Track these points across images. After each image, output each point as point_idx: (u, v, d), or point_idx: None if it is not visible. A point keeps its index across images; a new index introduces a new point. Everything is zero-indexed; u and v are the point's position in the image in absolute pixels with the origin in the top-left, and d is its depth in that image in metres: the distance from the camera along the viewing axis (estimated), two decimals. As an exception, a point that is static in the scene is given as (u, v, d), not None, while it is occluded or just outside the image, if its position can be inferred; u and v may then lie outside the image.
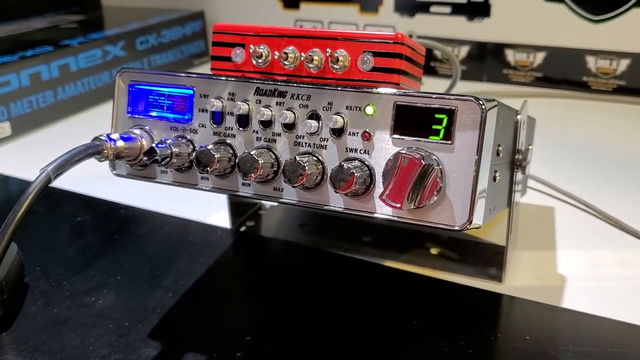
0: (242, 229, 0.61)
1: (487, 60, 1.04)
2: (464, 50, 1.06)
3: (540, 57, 1.00)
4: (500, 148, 0.40)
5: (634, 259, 0.54)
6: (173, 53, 1.15)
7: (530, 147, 0.51)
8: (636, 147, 0.79)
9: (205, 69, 1.22)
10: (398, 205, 0.34)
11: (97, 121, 0.94)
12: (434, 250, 0.56)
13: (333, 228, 0.61)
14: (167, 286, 0.51)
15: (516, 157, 0.47)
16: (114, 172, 0.44)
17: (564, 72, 0.99)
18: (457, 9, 1.03)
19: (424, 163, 0.33)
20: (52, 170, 0.36)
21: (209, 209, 0.64)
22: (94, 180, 0.69)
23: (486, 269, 0.53)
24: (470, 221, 0.35)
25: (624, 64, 0.94)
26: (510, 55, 1.02)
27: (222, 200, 0.61)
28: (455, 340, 0.44)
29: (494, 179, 0.40)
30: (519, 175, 0.48)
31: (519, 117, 0.46)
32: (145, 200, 0.66)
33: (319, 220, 0.62)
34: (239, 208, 0.61)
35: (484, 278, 0.52)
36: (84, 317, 0.48)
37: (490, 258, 0.55)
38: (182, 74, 0.43)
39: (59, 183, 0.70)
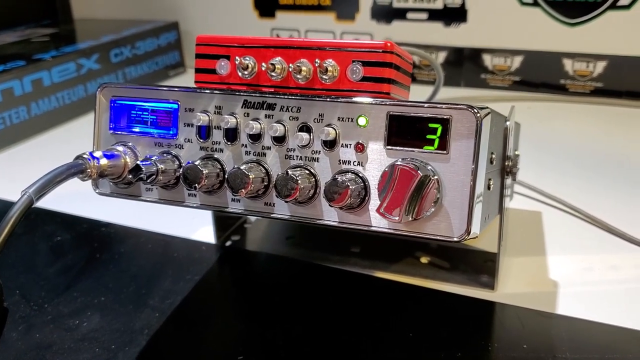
0: (228, 243, 0.59)
1: (464, 65, 1.05)
2: (441, 56, 1.06)
3: (517, 61, 1.00)
4: (494, 156, 0.40)
5: (623, 262, 0.54)
6: (148, 65, 1.13)
7: (517, 153, 0.51)
8: (616, 148, 0.80)
9: (181, 80, 1.21)
10: (396, 219, 0.33)
11: (73, 136, 0.92)
12: (424, 259, 0.56)
13: (320, 240, 0.60)
14: (154, 306, 0.50)
15: (506, 163, 0.46)
16: (97, 191, 0.43)
17: (541, 76, 0.99)
18: (433, 15, 1.03)
19: (421, 174, 0.33)
20: (34, 192, 0.35)
21: (193, 224, 0.62)
22: (71, 198, 0.67)
23: (478, 276, 0.53)
24: (468, 232, 0.34)
25: (600, 66, 0.95)
26: (488, 60, 1.02)
27: (205, 215, 0.60)
28: (452, 351, 0.43)
29: (488, 187, 0.39)
30: (508, 182, 0.48)
31: (507, 123, 0.45)
32: (127, 217, 0.64)
33: (306, 232, 0.61)
34: (224, 222, 0.60)
35: (476, 286, 0.51)
36: (69, 342, 0.46)
37: (481, 265, 0.54)
38: (165, 88, 0.41)
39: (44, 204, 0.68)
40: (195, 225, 0.62)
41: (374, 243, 0.58)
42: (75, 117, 0.98)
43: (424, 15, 1.04)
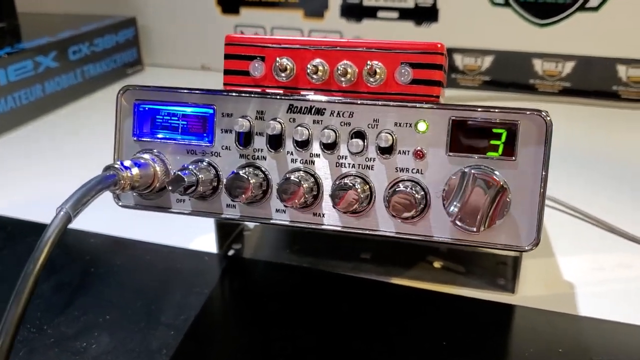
0: (230, 252, 0.57)
1: (434, 64, 1.05)
2: (410, 55, 1.05)
3: (488, 61, 1.01)
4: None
5: (630, 260, 0.55)
6: (106, 63, 1.08)
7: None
8: (587, 146, 0.82)
9: (138, 79, 1.15)
10: (474, 230, 0.32)
11: (32, 139, 0.86)
12: (437, 264, 0.55)
13: (326, 246, 0.58)
14: (167, 323, 0.47)
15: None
16: (120, 203, 0.39)
17: (511, 75, 1.01)
18: (404, 14, 1.03)
19: (500, 183, 0.31)
20: (71, 207, 0.31)
21: (185, 232, 0.59)
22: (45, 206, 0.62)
23: (494, 279, 0.52)
24: (538, 241, 0.33)
25: (569, 66, 0.97)
26: (459, 60, 1.03)
27: (199, 222, 0.57)
28: (491, 359, 0.42)
29: (541, 193, 0.38)
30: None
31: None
32: (112, 226, 0.60)
33: (309, 238, 0.59)
34: (224, 230, 0.57)
35: (495, 289, 0.51)
36: (79, 367, 0.42)
37: (495, 268, 0.54)
38: (196, 91, 0.38)
39: (11, 212, 0.63)
40: (189, 233, 0.59)
41: (384, 249, 0.57)
42: (33, 119, 0.92)
43: (395, 14, 1.03)
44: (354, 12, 1.05)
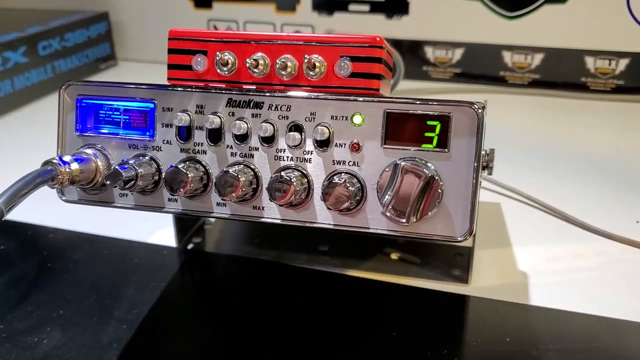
0: (190, 246, 0.57)
1: (406, 57, 1.05)
2: (382, 48, 1.06)
3: (458, 53, 1.02)
4: (483, 152, 0.39)
5: (585, 250, 0.56)
6: (78, 57, 1.07)
7: (492, 148, 0.51)
8: (556, 138, 0.82)
9: (112, 74, 1.15)
10: (404, 221, 0.32)
11: (2, 136, 0.86)
12: (394, 256, 0.55)
13: (285, 239, 0.58)
14: (120, 317, 0.47)
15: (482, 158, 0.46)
16: (64, 198, 0.40)
17: (481, 68, 1.01)
18: (375, 7, 1.03)
19: (428, 174, 0.32)
20: (3, 203, 0.31)
21: (146, 226, 0.59)
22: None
23: (449, 270, 0.52)
24: (471, 231, 0.34)
25: (538, 58, 0.97)
26: (430, 52, 1.03)
27: (160, 216, 0.57)
28: (437, 349, 0.43)
29: (480, 184, 0.39)
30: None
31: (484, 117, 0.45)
32: (75, 222, 0.60)
33: (269, 232, 0.59)
34: (184, 224, 0.57)
35: (450, 280, 0.51)
36: (30, 362, 0.42)
37: (451, 259, 0.54)
38: (138, 86, 0.38)
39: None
40: (149, 227, 0.59)
41: (342, 241, 0.57)
42: (3, 115, 0.92)
43: (366, 7, 1.03)
44: (326, 6, 1.05)
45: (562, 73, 0.97)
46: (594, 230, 0.58)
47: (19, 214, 0.61)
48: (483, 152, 0.46)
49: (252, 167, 0.36)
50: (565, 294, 0.49)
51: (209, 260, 0.55)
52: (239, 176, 0.35)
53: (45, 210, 0.60)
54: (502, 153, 0.77)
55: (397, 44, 1.04)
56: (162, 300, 0.49)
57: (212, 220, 0.61)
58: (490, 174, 0.48)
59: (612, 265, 0.53)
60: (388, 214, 0.33)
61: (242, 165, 0.36)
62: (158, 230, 0.58)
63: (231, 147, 0.37)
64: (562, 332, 0.45)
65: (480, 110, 0.33)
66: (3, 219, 0.31)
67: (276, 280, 0.52)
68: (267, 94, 0.36)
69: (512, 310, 0.48)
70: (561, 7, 0.93)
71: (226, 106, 0.37)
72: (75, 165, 0.36)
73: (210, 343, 0.45)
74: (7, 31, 0.97)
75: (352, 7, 1.04)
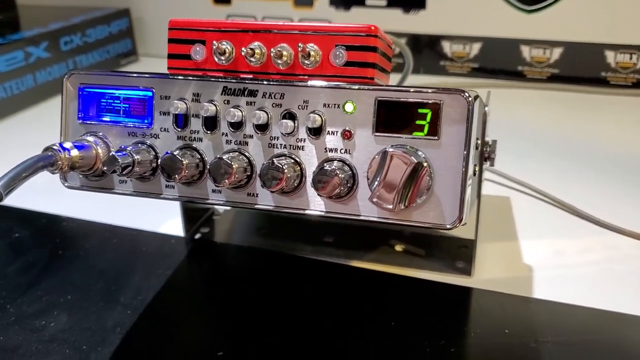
0: (197, 236, 0.58)
1: (423, 52, 1.05)
2: (400, 43, 1.05)
3: (476, 48, 1.01)
4: (478, 141, 0.39)
5: (593, 244, 0.55)
6: (99, 53, 1.09)
7: (494, 139, 0.51)
8: (575, 133, 0.81)
9: (132, 69, 1.17)
10: (390, 207, 0.32)
11: (23, 128, 0.88)
12: (398, 247, 0.55)
13: (291, 230, 0.58)
14: (125, 303, 0.48)
15: (484, 148, 0.46)
16: (66, 184, 0.41)
17: (499, 62, 1.00)
18: (392, 2, 1.03)
19: (415, 161, 0.32)
20: (2, 186, 0.32)
21: (158, 216, 0.60)
22: (26, 191, 0.64)
23: (453, 263, 0.52)
24: (460, 219, 0.34)
25: (557, 52, 0.96)
26: (447, 47, 1.03)
27: (172, 207, 0.58)
28: (435, 339, 0.43)
29: (474, 173, 0.39)
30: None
31: (486, 108, 0.45)
32: (88, 211, 0.61)
33: (276, 222, 0.60)
34: (192, 214, 0.58)
35: (453, 272, 0.51)
36: (36, 344, 0.44)
37: (456, 251, 0.54)
38: (138, 74, 0.39)
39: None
40: (161, 217, 0.60)
41: (347, 232, 0.57)
42: (25, 108, 0.94)
43: (383, 2, 1.03)
44: (343, 0, 1.05)
45: (582, 67, 0.95)
46: (604, 224, 0.58)
47: (35, 203, 0.63)
48: (486, 143, 0.46)
49: (247, 154, 0.37)
50: (570, 288, 0.49)
51: (214, 250, 0.56)
52: (233, 163, 0.35)
53: (61, 201, 0.61)
54: (518, 148, 0.76)
55: (414, 38, 1.04)
56: (167, 287, 0.50)
57: (221, 210, 0.61)
58: (492, 165, 0.48)
59: (620, 260, 0.53)
60: (374, 200, 0.33)
61: (236, 153, 0.37)
62: (171, 219, 0.59)
63: (226, 135, 0.37)
64: (562, 324, 0.45)
65: (470, 99, 0.33)
66: (2, 202, 0.32)
67: (281, 271, 0.52)
68: (262, 82, 0.37)
69: (513, 302, 0.47)
70: (580, 0, 0.92)
71: (222, 94, 0.37)
72: (75, 152, 0.37)
73: (212, 329, 0.46)
74: (30, 27, 0.99)
75: (369, 1, 1.04)
